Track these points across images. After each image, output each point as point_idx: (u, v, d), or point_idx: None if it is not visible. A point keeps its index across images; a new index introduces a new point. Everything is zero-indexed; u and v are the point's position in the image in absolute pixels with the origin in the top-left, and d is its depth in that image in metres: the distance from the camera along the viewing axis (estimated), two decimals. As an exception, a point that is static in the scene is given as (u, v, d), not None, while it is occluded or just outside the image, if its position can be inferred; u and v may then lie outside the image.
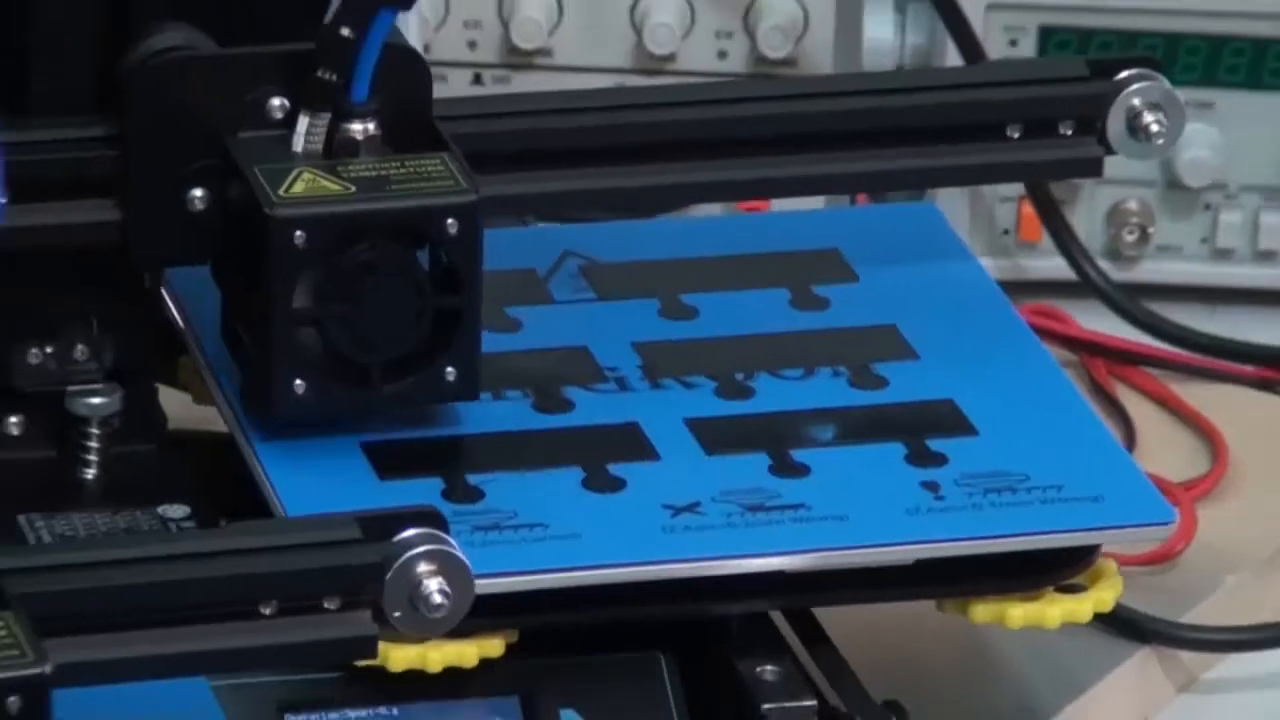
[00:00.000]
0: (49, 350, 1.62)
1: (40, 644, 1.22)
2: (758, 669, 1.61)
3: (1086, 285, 2.14)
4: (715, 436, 1.72)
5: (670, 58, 2.17)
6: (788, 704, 1.61)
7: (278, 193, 1.53)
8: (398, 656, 1.52)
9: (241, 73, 1.60)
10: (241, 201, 1.56)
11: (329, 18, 1.61)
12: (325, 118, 1.58)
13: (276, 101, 1.60)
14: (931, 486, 1.69)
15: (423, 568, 1.38)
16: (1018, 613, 1.69)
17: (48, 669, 1.19)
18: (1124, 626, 1.85)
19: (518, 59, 2.11)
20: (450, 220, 1.59)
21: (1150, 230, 2.12)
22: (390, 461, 1.61)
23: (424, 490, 1.60)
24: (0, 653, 1.21)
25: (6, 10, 1.67)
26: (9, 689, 1.19)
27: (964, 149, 1.88)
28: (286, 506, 1.55)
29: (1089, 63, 1.89)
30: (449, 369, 1.59)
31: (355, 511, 1.39)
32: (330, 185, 1.58)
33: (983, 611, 1.70)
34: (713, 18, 2.24)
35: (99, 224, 1.54)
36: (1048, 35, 2.10)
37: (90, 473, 1.66)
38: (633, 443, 1.70)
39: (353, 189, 1.61)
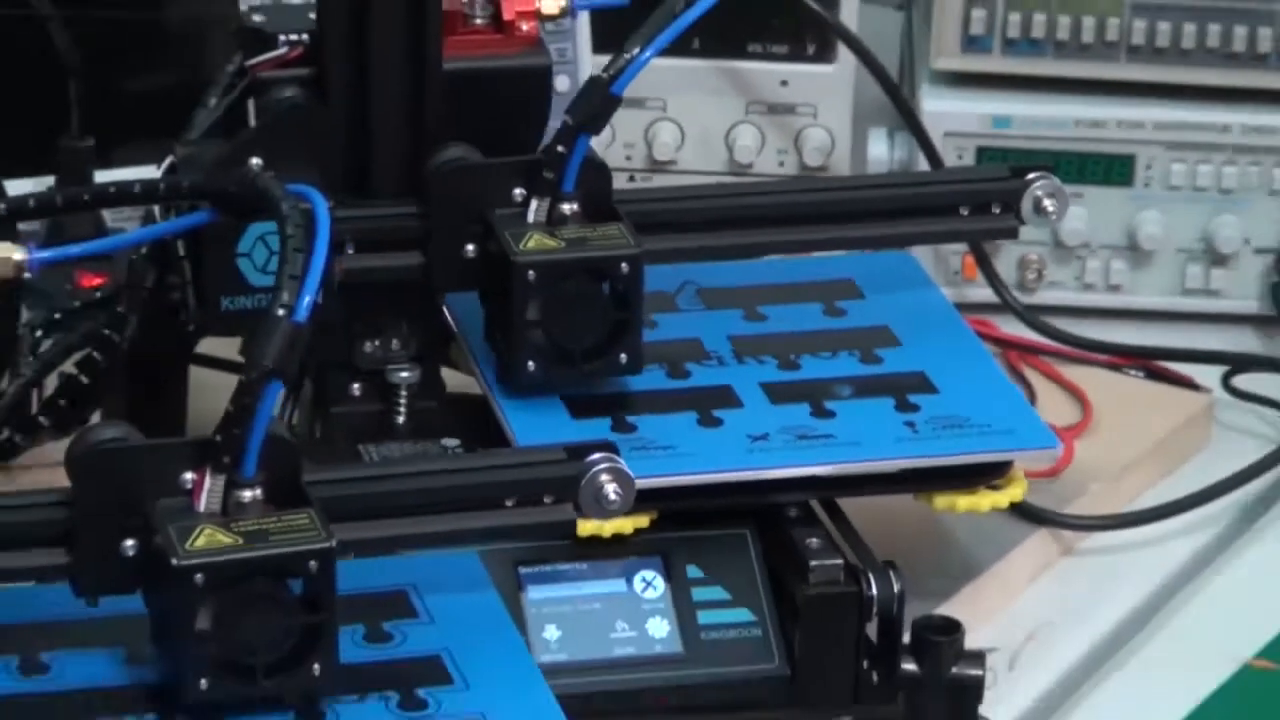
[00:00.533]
0: (377, 343, 1.70)
1: (329, 527, 1.31)
2: (806, 539, 1.64)
3: (1005, 306, 2.11)
4: (777, 393, 1.76)
5: (749, 165, 2.18)
6: (825, 562, 1.63)
7: (518, 246, 1.64)
8: (586, 528, 1.57)
9: (502, 175, 1.69)
10: (498, 254, 1.67)
11: (550, 140, 1.73)
12: (548, 200, 1.69)
13: (518, 192, 1.70)
14: (910, 425, 1.74)
15: (604, 477, 1.45)
16: (963, 502, 1.72)
17: (334, 544, 1.29)
18: (1028, 514, 1.87)
19: (656, 166, 2.14)
20: (623, 265, 1.68)
21: (1044, 272, 2.12)
22: (580, 408, 1.69)
23: (600, 426, 1.68)
24: (304, 534, 1.30)
25: (355, 138, 1.72)
26: (309, 557, 1.29)
27: (932, 221, 1.90)
28: (518, 439, 1.65)
29: (1010, 168, 1.90)
30: (622, 355, 1.69)
31: (560, 442, 1.49)
32: (551, 242, 1.69)
33: (941, 501, 1.73)
34: (775, 142, 2.19)
35: (411, 267, 1.68)
36: (982, 152, 2.09)
37: (400, 419, 1.74)
38: (727, 397, 1.75)
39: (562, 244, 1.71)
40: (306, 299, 1.39)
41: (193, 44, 2.11)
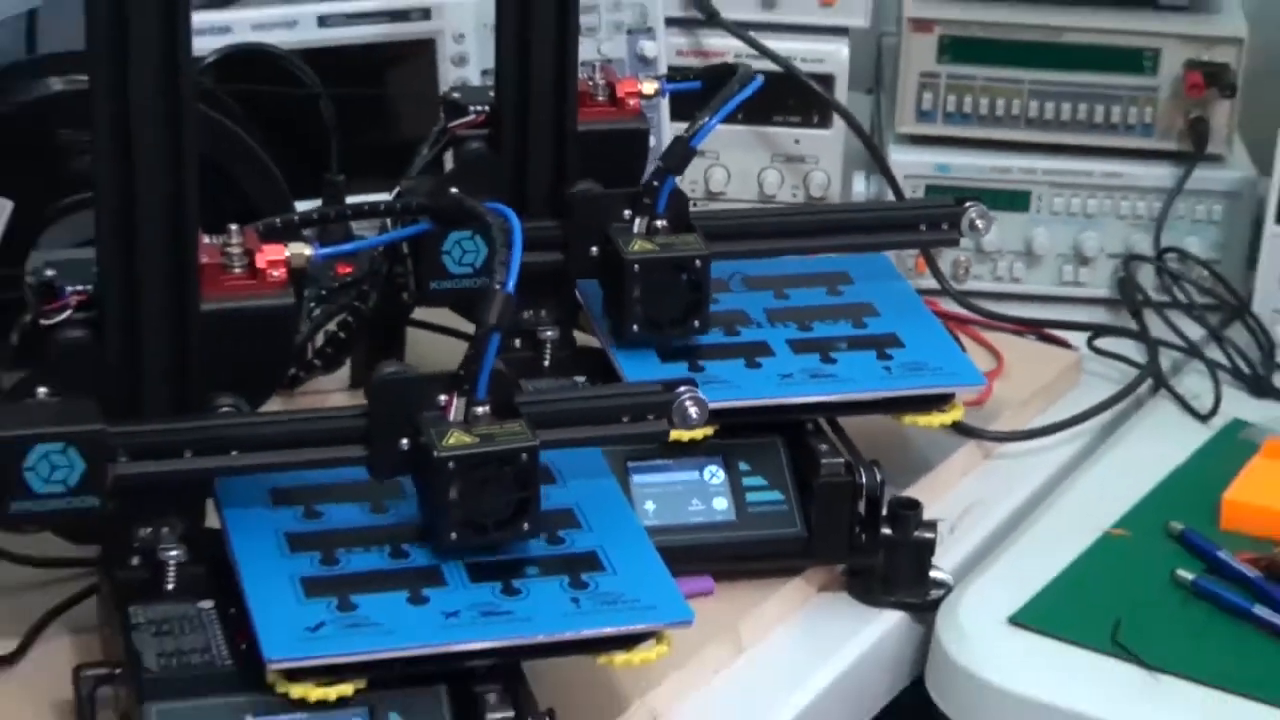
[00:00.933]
0: (530, 313, 1.80)
1: (535, 431, 1.42)
2: (818, 446, 1.74)
3: (944, 291, 2.16)
4: (797, 347, 1.84)
5: (773, 196, 2.28)
6: (831, 460, 1.74)
7: (627, 249, 1.76)
8: (675, 435, 1.60)
9: (617, 201, 1.80)
10: (613, 254, 1.77)
11: (646, 178, 1.83)
12: (646, 218, 1.80)
13: (626, 213, 1.80)
14: (887, 368, 1.83)
15: (688, 402, 1.53)
16: (921, 420, 1.81)
17: (537, 441, 1.41)
18: (962, 430, 1.92)
19: (711, 196, 2.22)
20: (697, 261, 1.78)
21: (970, 269, 2.22)
22: (667, 356, 1.78)
23: (680, 368, 1.78)
24: (517, 436, 1.40)
25: (518, 176, 1.83)
26: (521, 451, 1.40)
27: (898, 234, 1.98)
28: (627, 376, 1.75)
29: (952, 200, 1.96)
30: (695, 322, 1.78)
31: (656, 379, 1.61)
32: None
33: (907, 419, 1.81)
34: (790, 181, 2.26)
35: (554, 262, 1.79)
36: (930, 189, 2.19)
37: (546, 364, 1.82)
38: (764, 349, 1.84)
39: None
40: (513, 278, 1.49)
41: (409, 112, 2.14)
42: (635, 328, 1.79)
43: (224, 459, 1.43)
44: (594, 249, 1.83)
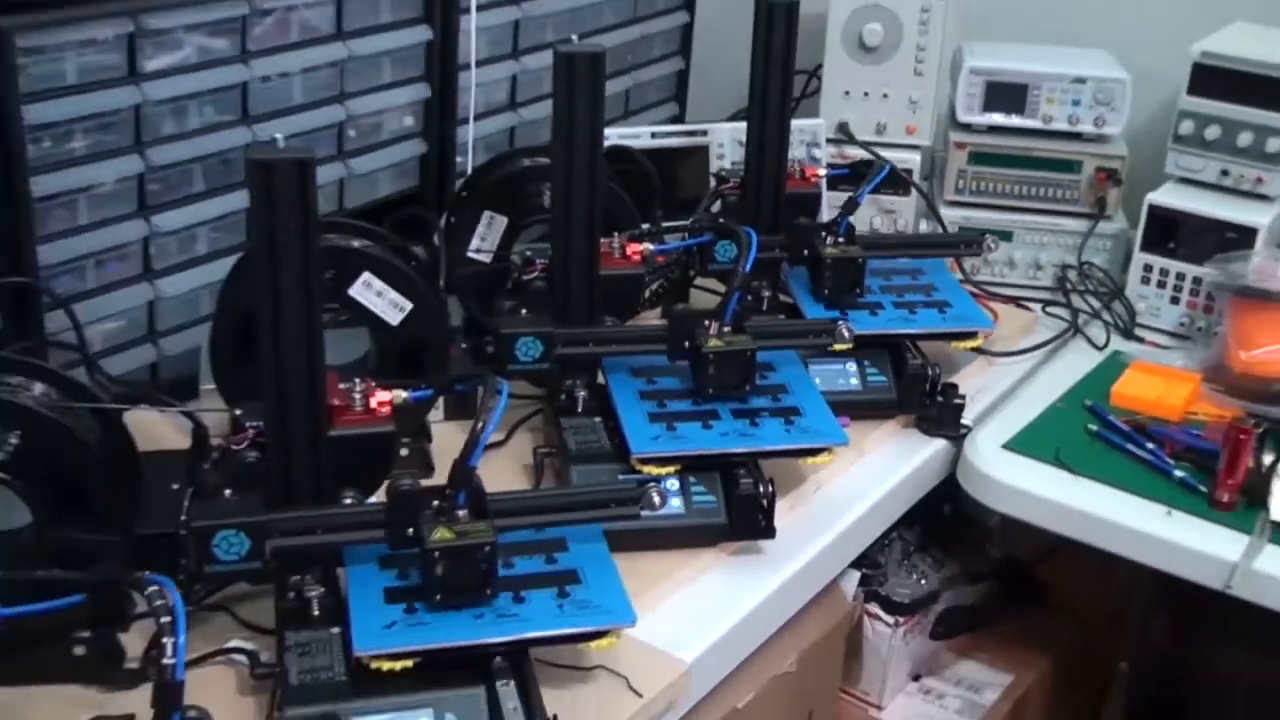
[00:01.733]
0: (759, 283, 1.71)
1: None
2: (909, 354, 1.72)
3: (967, 280, 2.06)
4: (898, 305, 1.79)
5: (878, 229, 2.17)
6: (915, 362, 1.72)
7: (822, 253, 1.70)
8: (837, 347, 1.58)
9: (815, 229, 1.74)
10: (816, 257, 1.70)
11: (825, 219, 1.77)
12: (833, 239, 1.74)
13: (825, 236, 1.74)
14: (944, 317, 1.78)
15: (843, 329, 1.56)
16: (959, 345, 1.79)
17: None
18: (979, 350, 1.85)
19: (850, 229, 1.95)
20: (860, 260, 1.72)
21: (979, 270, 2.13)
22: (832, 306, 1.71)
23: (834, 312, 1.70)
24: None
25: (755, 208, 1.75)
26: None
27: (945, 250, 1.95)
28: (808, 315, 1.68)
29: (979, 234, 1.91)
30: (858, 292, 1.71)
31: (826, 316, 1.64)
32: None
33: (953, 345, 1.79)
34: (887, 224, 2.18)
35: (776, 257, 1.73)
36: (962, 228, 2.10)
37: (764, 309, 1.74)
38: (880, 306, 1.77)
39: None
40: (749, 264, 1.53)
41: (695, 182, 2.01)
42: (826, 292, 1.74)
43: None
44: (805, 252, 1.79)
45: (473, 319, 1.69)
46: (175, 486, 1.32)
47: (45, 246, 1.47)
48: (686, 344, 1.47)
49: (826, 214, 1.83)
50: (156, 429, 1.43)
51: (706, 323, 1.47)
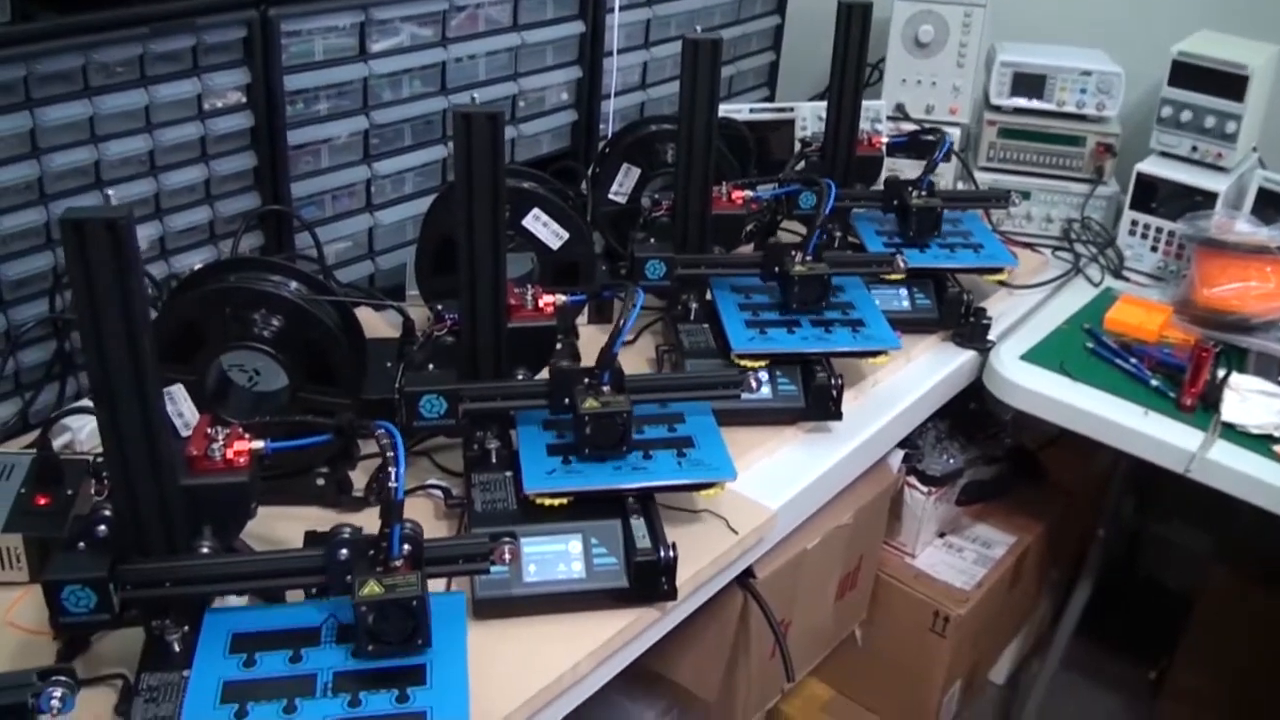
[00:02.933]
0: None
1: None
2: (950, 284, 1.63)
3: (995, 230, 1.88)
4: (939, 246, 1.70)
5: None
6: (954, 290, 1.65)
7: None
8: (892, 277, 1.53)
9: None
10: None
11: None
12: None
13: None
14: (978, 255, 1.70)
15: (899, 259, 1.48)
16: (987, 278, 1.73)
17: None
18: (1002, 283, 1.78)
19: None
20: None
21: (1004, 221, 2.02)
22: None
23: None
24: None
25: None
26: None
27: (980, 204, 1.85)
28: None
29: (1004, 192, 1.85)
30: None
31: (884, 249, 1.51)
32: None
33: (984, 278, 1.73)
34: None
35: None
36: (991, 188, 1.98)
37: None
38: (926, 245, 1.69)
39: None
40: (829, 207, 1.49)
41: (783, 146, 1.95)
42: (911, 234, 1.62)
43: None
44: (894, 202, 1.68)
45: (610, 247, 1.69)
46: (389, 365, 1.35)
47: (296, 184, 1.52)
48: (777, 269, 1.46)
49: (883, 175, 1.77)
50: (373, 322, 1.49)
51: (793, 253, 1.45)
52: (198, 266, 1.17)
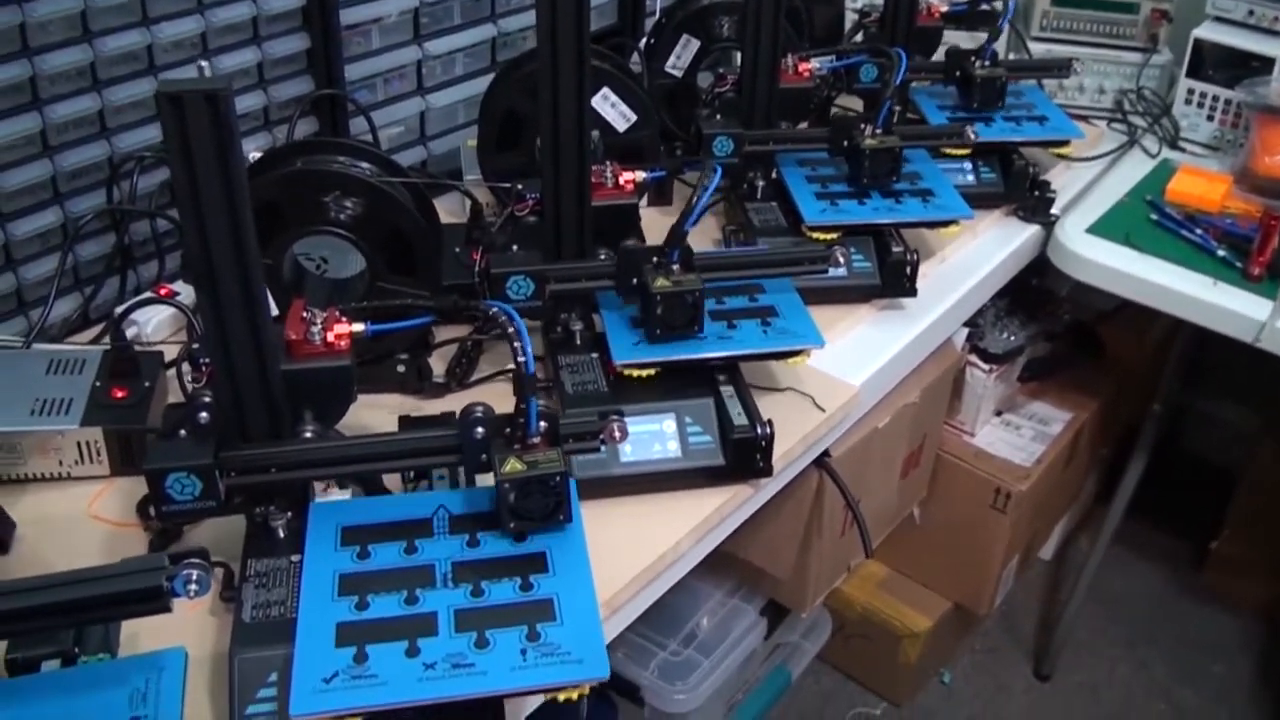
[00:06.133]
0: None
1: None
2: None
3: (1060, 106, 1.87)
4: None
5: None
6: (1020, 162, 1.62)
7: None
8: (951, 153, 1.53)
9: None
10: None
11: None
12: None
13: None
14: (1033, 123, 1.69)
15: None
16: (1052, 150, 1.71)
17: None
18: (1061, 156, 1.75)
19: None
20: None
21: (1059, 94, 1.93)
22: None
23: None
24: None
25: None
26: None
27: (1035, 73, 1.82)
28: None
29: (1047, 61, 1.78)
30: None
31: None
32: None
33: (1051, 151, 1.70)
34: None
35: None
36: (1045, 57, 1.93)
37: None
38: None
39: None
40: (899, 76, 1.46)
41: (832, 23, 1.88)
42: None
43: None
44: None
45: (664, 124, 1.61)
46: (457, 250, 1.33)
47: (349, 66, 1.48)
48: (846, 142, 1.42)
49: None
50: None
51: (862, 126, 1.41)
52: (255, 153, 1.13)
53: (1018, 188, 1.65)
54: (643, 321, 1.15)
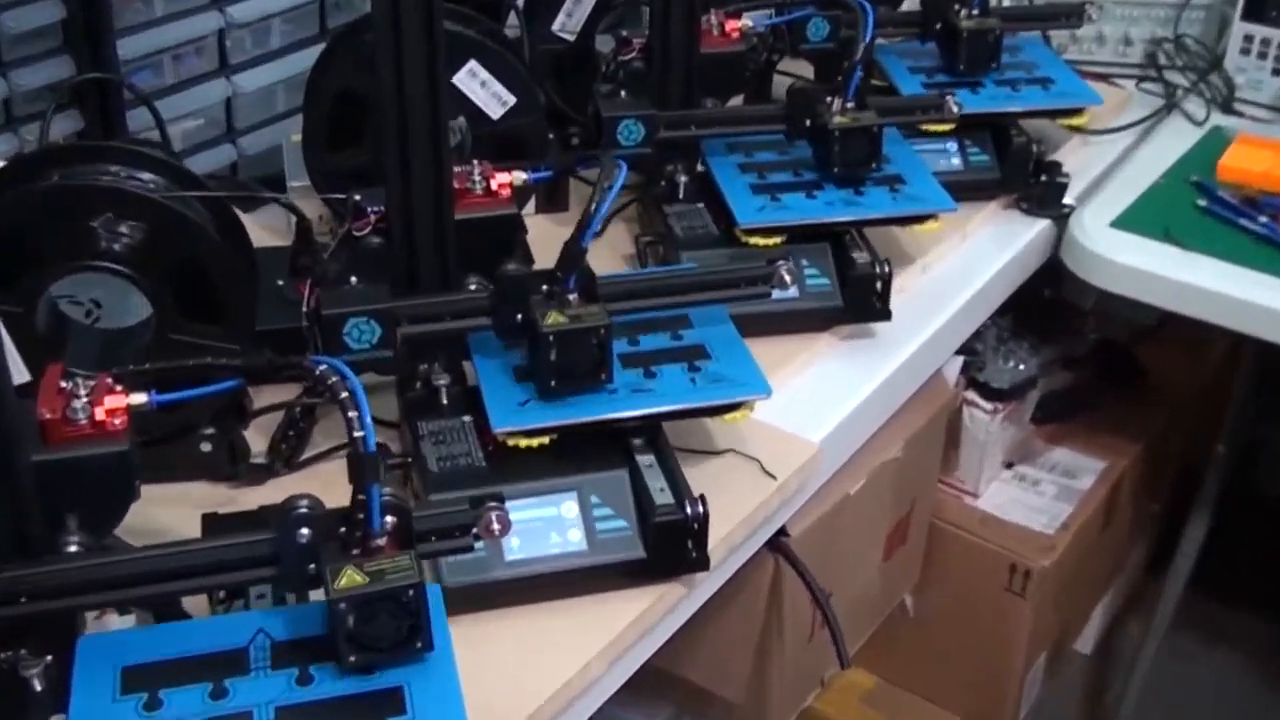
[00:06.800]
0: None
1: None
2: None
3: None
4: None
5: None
6: (1020, 139, 1.67)
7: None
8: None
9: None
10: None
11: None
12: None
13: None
14: (1047, 90, 1.72)
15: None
16: (1061, 121, 1.76)
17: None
18: (1076, 128, 1.80)
19: None
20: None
21: (1069, 47, 2.04)
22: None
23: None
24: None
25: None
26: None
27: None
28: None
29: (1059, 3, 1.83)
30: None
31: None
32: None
33: (1059, 121, 1.75)
34: None
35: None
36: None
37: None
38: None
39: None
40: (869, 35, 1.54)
41: None
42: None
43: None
44: (938, 25, 1.67)
45: (552, 105, 1.63)
46: (280, 283, 1.32)
47: (124, 40, 1.46)
48: (808, 122, 1.43)
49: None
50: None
51: (828, 100, 1.43)
52: (-4, 163, 1.07)
53: (1018, 172, 1.69)
54: (531, 372, 1.16)
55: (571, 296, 1.15)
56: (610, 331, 1.13)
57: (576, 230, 1.14)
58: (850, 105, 1.44)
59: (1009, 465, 1.94)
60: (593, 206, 1.13)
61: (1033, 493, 1.93)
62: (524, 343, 1.17)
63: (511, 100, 1.47)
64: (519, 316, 1.15)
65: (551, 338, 1.12)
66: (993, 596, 1.82)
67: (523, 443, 1.12)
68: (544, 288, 1.15)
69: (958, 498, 1.87)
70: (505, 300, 1.15)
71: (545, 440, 1.12)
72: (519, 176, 1.23)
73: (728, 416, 1.19)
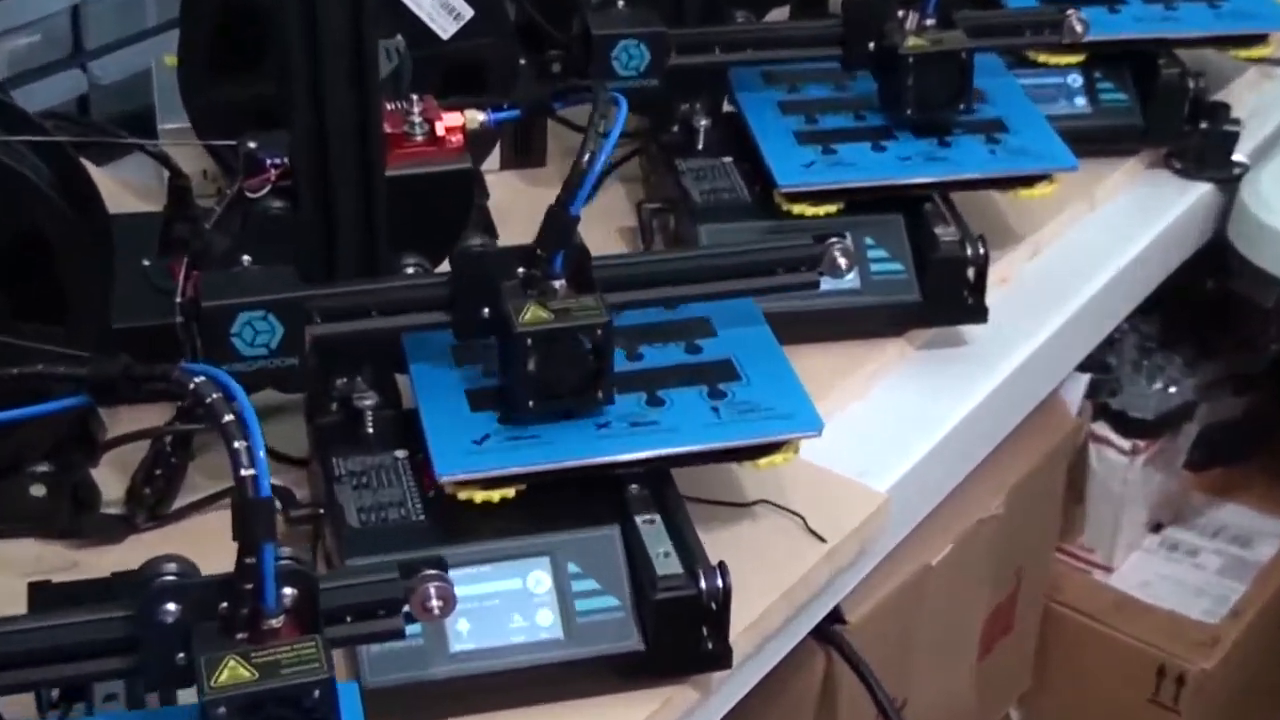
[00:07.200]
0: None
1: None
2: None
3: None
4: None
5: None
6: (1171, 69, 1.67)
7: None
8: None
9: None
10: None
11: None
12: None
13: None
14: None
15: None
16: (1240, 53, 1.78)
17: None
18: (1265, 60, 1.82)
19: None
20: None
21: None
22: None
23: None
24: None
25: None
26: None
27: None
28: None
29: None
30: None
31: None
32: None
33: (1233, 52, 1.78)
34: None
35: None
36: None
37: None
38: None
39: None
40: None
41: None
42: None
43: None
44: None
45: (529, 20, 1.64)
46: (146, 264, 1.36)
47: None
48: (872, 45, 1.45)
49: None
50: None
51: (900, 14, 1.45)
52: None
53: (1169, 118, 1.71)
54: (495, 391, 1.18)
55: (558, 284, 1.16)
56: (611, 332, 1.14)
57: (563, 192, 1.14)
58: (931, 22, 1.46)
59: (1156, 528, 2.00)
60: (583, 160, 1.13)
61: (1190, 565, 1.96)
62: (488, 350, 1.20)
63: (469, 12, 1.48)
64: (485, 311, 1.15)
65: (530, 340, 1.12)
66: (1133, 710, 1.84)
67: (479, 496, 1.12)
68: (520, 271, 1.16)
69: (1084, 572, 1.91)
70: (466, 289, 1.15)
71: (510, 492, 1.13)
72: (476, 117, 1.23)
73: (761, 461, 1.19)
